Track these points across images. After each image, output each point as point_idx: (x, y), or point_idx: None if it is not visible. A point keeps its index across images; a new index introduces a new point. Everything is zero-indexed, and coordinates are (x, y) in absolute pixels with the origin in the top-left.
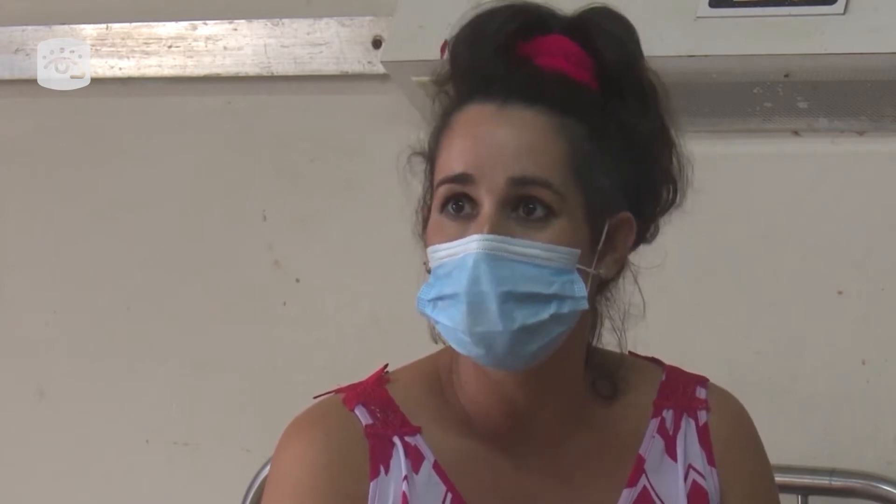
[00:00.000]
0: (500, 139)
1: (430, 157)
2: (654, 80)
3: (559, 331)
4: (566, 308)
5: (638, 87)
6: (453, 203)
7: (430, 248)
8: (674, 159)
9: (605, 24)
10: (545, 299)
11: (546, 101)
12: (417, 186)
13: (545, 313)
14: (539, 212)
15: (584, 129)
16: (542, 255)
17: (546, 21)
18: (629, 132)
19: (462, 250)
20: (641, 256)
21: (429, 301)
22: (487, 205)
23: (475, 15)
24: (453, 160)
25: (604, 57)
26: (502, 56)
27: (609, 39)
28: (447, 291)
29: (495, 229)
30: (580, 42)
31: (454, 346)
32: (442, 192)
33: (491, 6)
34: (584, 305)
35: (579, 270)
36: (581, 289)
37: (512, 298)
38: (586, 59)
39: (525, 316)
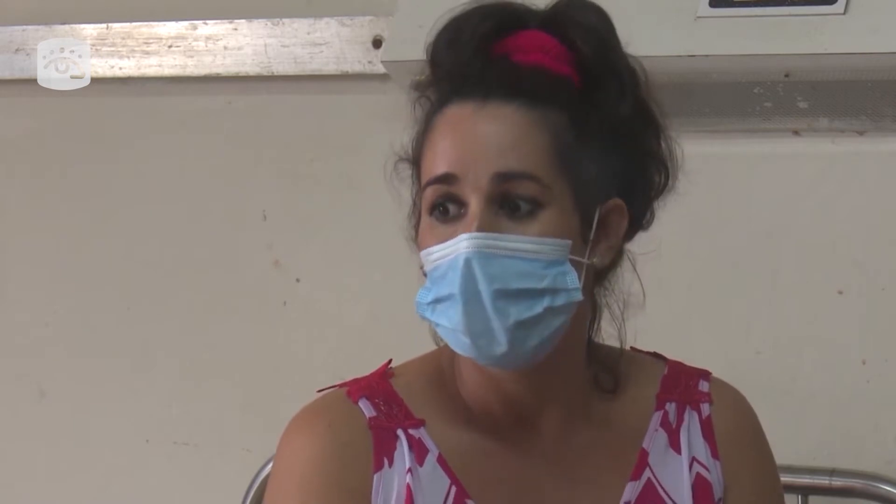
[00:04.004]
0: (481, 137)
1: (415, 161)
2: (632, 65)
3: (556, 324)
4: (560, 300)
5: (616, 73)
6: (441, 206)
7: (422, 252)
8: (661, 143)
9: (579, 15)
10: (538, 294)
11: (525, 94)
12: (405, 192)
13: (539, 307)
14: (526, 205)
15: (566, 120)
16: (531, 248)
17: (521, 17)
18: (611, 118)
19: (453, 251)
20: (639, 247)
21: (427, 304)
22: (474, 203)
23: (451, 18)
24: (437, 161)
25: (581, 48)
26: (481, 56)
27: (585, 29)
28: (443, 293)
29: (483, 227)
30: (556, 35)
31: (454, 348)
32: (429, 194)
33: (466, 8)
34: (578, 297)
35: (572, 261)
36: (573, 280)
37: (504, 295)
38: (564, 51)
39: (519, 311)
